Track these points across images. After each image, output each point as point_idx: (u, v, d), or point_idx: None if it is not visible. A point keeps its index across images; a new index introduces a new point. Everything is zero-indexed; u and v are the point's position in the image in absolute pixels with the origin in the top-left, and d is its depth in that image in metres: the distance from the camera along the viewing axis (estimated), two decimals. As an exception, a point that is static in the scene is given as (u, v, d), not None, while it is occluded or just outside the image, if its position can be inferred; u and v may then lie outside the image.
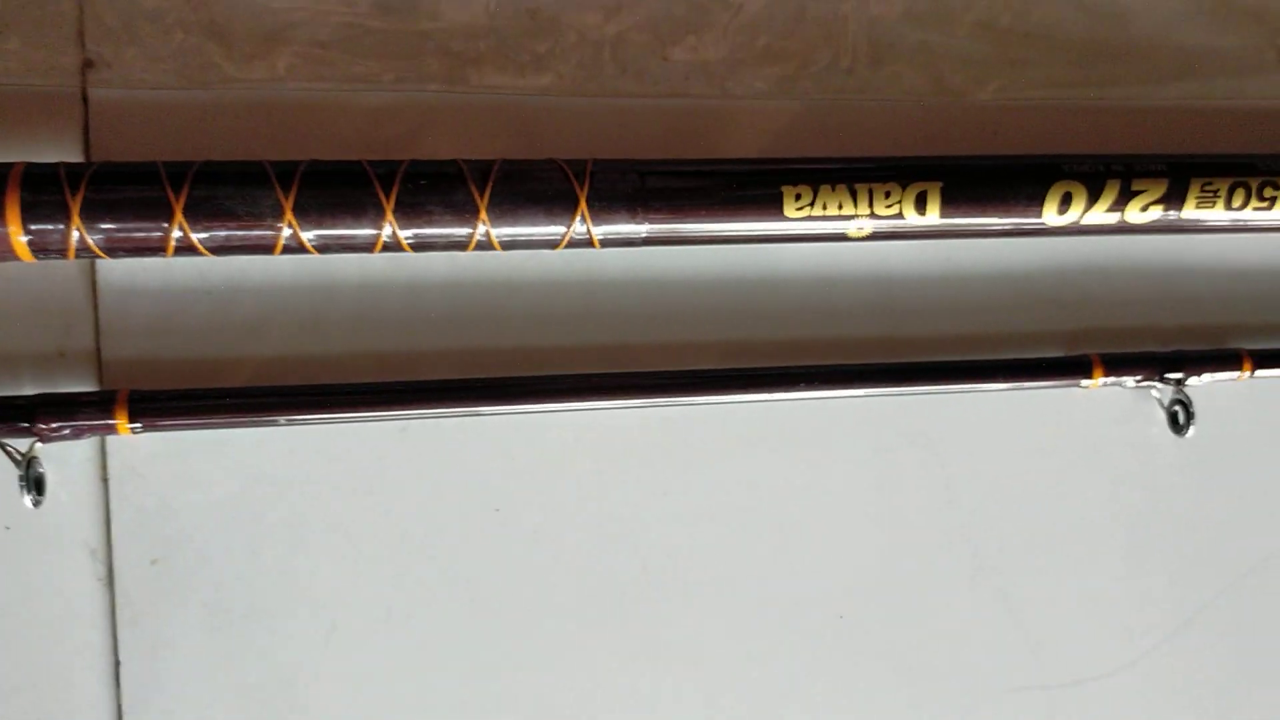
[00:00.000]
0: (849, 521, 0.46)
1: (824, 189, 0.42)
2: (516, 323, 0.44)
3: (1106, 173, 0.43)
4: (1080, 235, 0.44)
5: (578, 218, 0.42)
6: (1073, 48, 0.47)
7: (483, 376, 0.43)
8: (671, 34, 0.46)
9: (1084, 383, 0.46)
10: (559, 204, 0.42)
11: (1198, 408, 0.47)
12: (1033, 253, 0.48)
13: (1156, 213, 0.44)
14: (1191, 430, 0.46)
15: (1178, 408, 0.47)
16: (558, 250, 0.42)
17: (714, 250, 0.45)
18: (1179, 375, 0.46)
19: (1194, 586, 0.48)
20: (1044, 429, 0.47)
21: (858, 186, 0.42)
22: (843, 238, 0.43)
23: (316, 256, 0.40)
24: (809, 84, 0.47)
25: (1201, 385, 0.46)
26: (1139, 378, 0.46)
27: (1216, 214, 0.44)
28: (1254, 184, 0.43)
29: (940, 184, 0.43)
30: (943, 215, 0.43)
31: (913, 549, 0.47)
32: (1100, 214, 0.44)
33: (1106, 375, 0.46)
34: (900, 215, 0.43)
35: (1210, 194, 0.43)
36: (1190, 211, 0.44)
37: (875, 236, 0.43)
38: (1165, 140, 0.48)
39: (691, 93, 0.46)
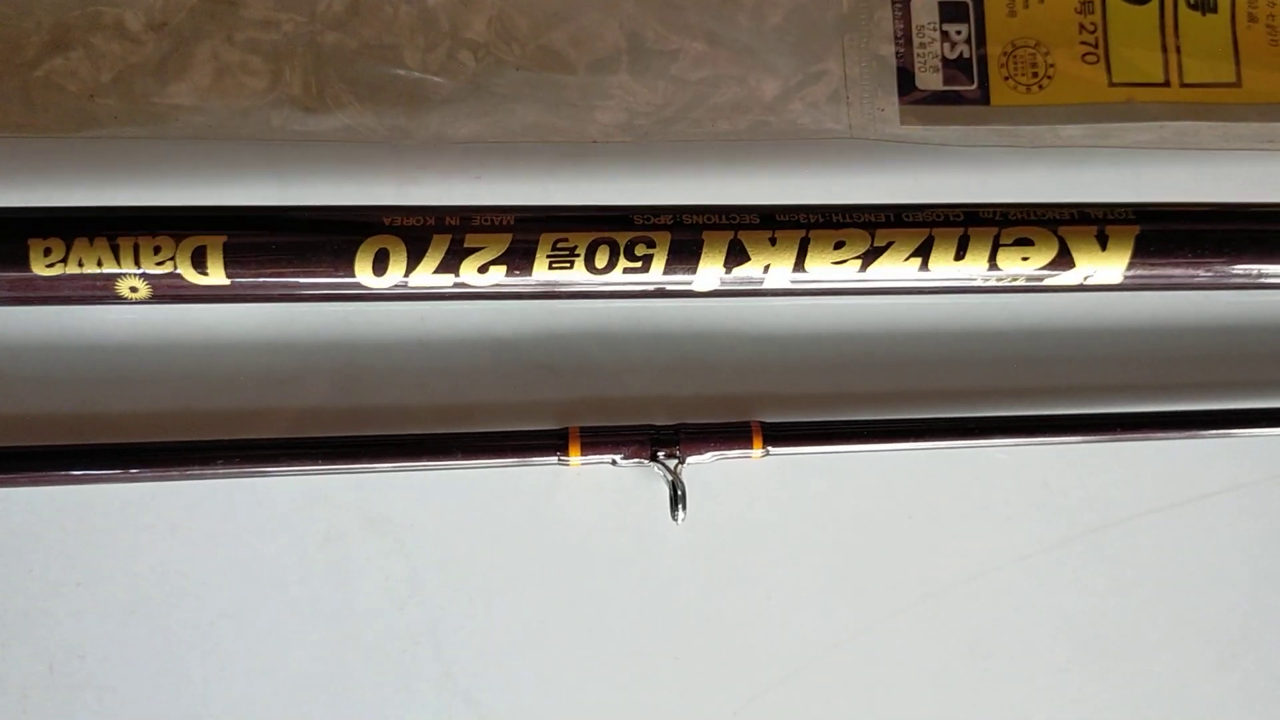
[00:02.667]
0: (289, 621, 0.43)
1: (80, 243, 0.39)
2: None
3: (437, 226, 0.40)
4: (409, 301, 0.40)
5: None
6: (566, 85, 0.44)
7: None
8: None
9: (569, 460, 0.42)
10: None
11: (711, 488, 0.44)
12: (521, 313, 0.44)
13: (498, 275, 0.40)
14: (683, 515, 0.42)
15: (676, 489, 0.43)
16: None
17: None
18: (676, 452, 0.42)
19: (710, 698, 0.43)
20: (531, 514, 0.44)
21: (120, 240, 0.39)
22: (118, 299, 0.40)
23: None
24: (248, 122, 0.43)
25: (707, 463, 0.42)
26: (623, 454, 0.42)
27: (576, 276, 0.40)
28: (622, 240, 0.40)
29: (224, 238, 0.39)
30: (229, 274, 0.39)
31: (368, 653, 0.43)
32: (428, 275, 0.40)
33: (587, 452, 0.42)
34: (178, 274, 0.39)
35: (565, 253, 0.40)
36: (542, 274, 0.40)
37: (159, 299, 0.40)
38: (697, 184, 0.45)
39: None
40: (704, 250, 0.40)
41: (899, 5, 0.44)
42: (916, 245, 0.40)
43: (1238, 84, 0.45)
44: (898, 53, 0.44)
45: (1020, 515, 0.45)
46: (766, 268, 0.40)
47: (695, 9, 0.44)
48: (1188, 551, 0.45)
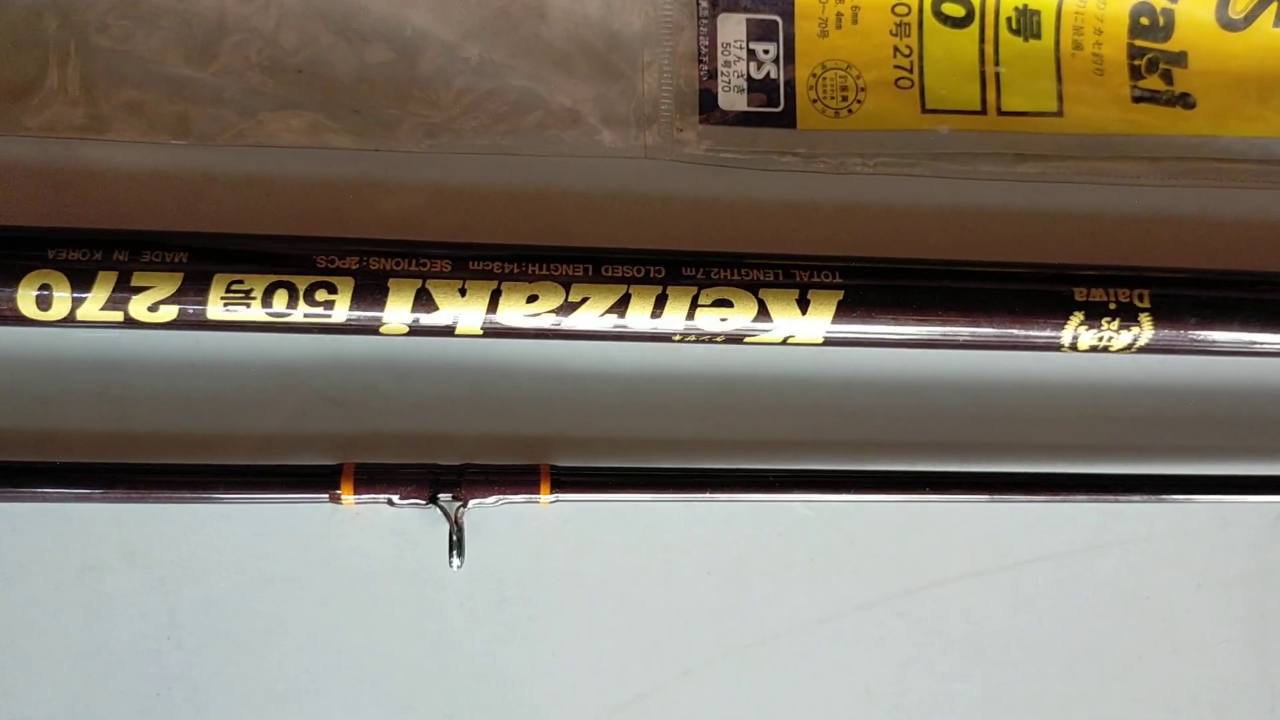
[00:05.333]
0: (38, 657, 0.41)
1: None
2: None
3: (104, 262, 0.38)
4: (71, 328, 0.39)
5: None
6: (351, 91, 0.43)
7: None
8: None
9: (341, 498, 0.41)
10: None
11: (500, 534, 0.42)
12: (302, 338, 0.43)
13: (172, 311, 0.39)
14: (460, 561, 0.41)
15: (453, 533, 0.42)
16: None
17: None
18: (459, 494, 0.41)
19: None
20: (303, 554, 0.43)
21: None
22: None
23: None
24: (28, 119, 0.43)
25: (492, 506, 0.41)
26: (400, 494, 0.41)
27: (253, 317, 0.39)
28: (302, 285, 0.39)
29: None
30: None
31: (119, 696, 0.41)
32: (95, 311, 0.39)
33: (361, 491, 0.41)
34: None
35: (240, 295, 0.39)
36: (218, 312, 0.39)
37: None
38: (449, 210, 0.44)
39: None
40: (389, 298, 0.39)
41: (704, 21, 0.44)
42: (612, 302, 0.40)
43: (1059, 114, 0.44)
44: (701, 71, 0.44)
45: (824, 575, 0.44)
46: (455, 322, 0.40)
47: (492, 16, 0.43)
48: (999, 621, 0.44)
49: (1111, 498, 0.43)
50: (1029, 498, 0.43)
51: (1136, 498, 0.43)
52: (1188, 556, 0.45)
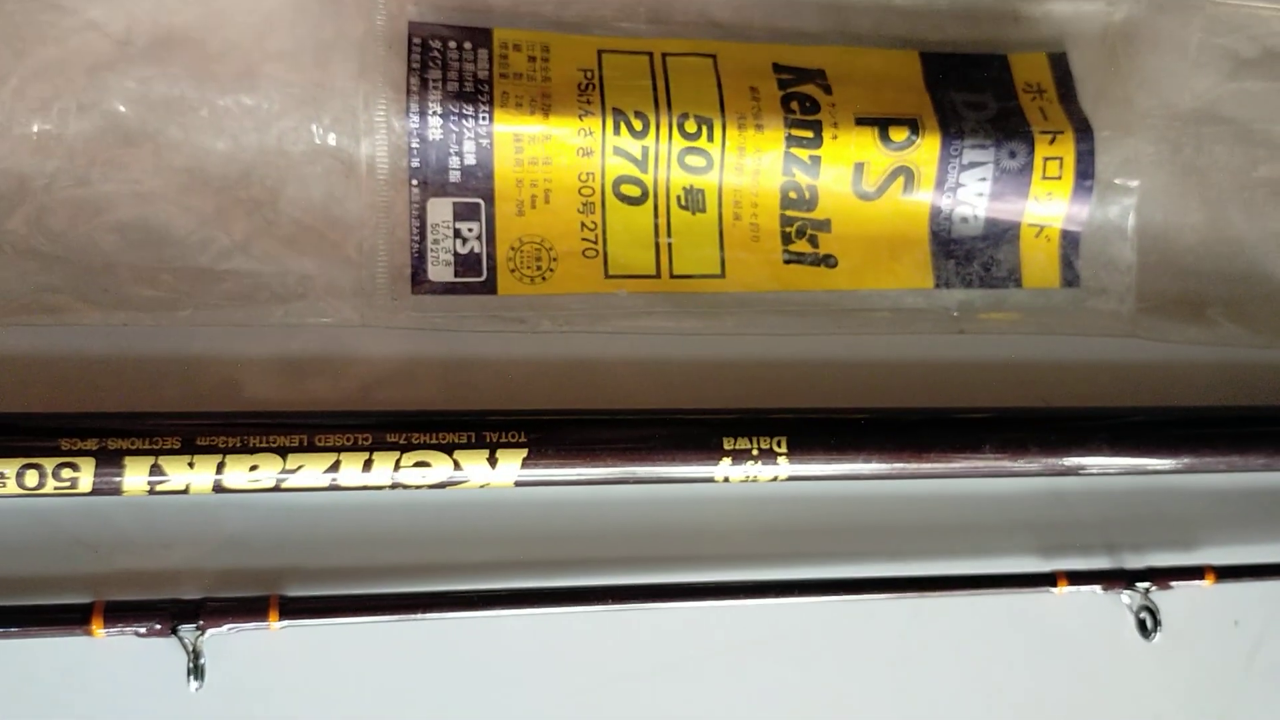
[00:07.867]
0: None
1: None
2: None
3: None
4: None
5: None
6: (102, 272, 0.49)
7: None
8: None
9: (95, 632, 0.46)
10: None
11: (238, 658, 0.48)
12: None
13: None
14: (198, 684, 0.47)
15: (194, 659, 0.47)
16: None
17: None
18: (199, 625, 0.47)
19: None
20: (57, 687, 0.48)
21: None
22: None
23: None
24: None
25: (227, 634, 0.47)
26: (145, 628, 0.47)
27: (10, 491, 0.45)
28: (50, 465, 0.44)
29: None
30: None
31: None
32: None
33: (111, 625, 0.46)
34: None
35: None
36: None
37: None
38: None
39: None
40: (126, 472, 0.45)
41: (416, 205, 0.51)
42: (325, 467, 0.47)
43: (722, 276, 0.53)
44: (413, 249, 0.51)
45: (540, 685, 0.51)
46: (187, 486, 0.46)
47: (230, 203, 0.50)
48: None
49: (768, 600, 0.52)
50: (692, 603, 0.51)
51: (791, 599, 0.52)
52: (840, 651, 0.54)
